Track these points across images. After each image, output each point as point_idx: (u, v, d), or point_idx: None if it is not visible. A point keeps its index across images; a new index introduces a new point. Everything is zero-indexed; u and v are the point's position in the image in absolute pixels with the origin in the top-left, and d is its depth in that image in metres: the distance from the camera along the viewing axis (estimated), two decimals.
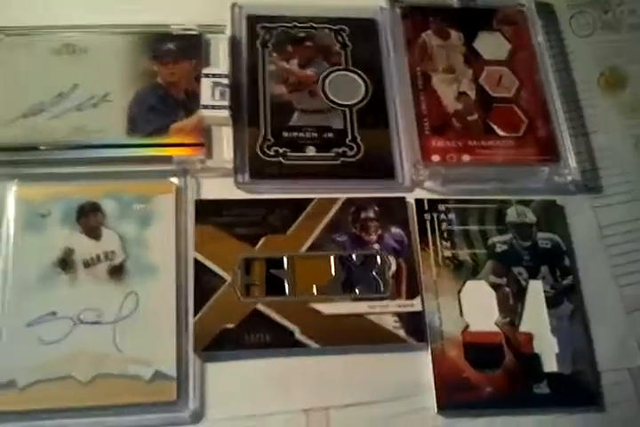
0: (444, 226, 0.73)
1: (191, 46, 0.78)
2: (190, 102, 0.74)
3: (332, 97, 0.78)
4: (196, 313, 0.65)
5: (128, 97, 0.74)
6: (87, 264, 0.66)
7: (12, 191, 0.69)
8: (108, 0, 0.81)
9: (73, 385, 0.61)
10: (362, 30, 0.83)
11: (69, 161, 0.71)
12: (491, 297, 0.70)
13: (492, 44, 0.83)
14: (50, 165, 0.70)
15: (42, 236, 0.67)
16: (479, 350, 0.67)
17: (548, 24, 0.87)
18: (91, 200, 0.69)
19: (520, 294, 0.70)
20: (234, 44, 0.80)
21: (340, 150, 0.75)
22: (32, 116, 0.72)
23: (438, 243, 0.72)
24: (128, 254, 0.67)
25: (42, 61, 0.75)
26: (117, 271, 0.66)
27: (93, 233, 0.68)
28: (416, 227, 0.72)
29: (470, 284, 0.70)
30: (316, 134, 0.76)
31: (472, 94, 0.79)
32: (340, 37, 0.82)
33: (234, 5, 0.81)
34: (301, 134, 0.75)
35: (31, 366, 0.62)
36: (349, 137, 0.76)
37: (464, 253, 0.71)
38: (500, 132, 0.77)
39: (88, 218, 0.68)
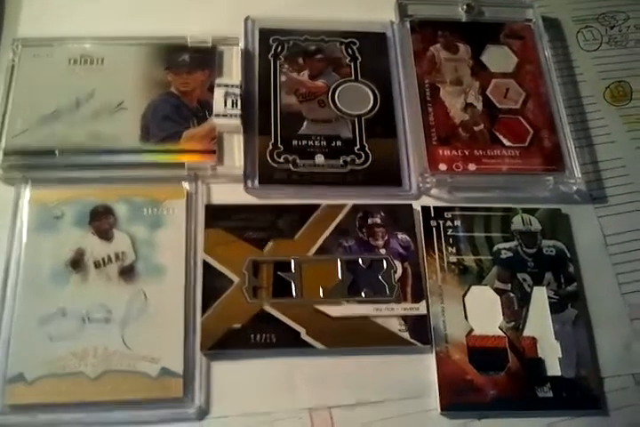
0: (449, 232, 0.74)
1: (205, 57, 0.80)
2: (203, 111, 0.76)
3: (341, 107, 0.80)
4: (203, 313, 0.67)
5: (142, 105, 0.76)
6: (98, 265, 0.68)
7: (27, 193, 0.71)
8: (124, 12, 0.84)
9: (81, 381, 0.63)
10: (372, 43, 0.85)
11: (84, 166, 0.73)
12: (495, 302, 0.71)
13: (499, 58, 0.85)
14: (65, 170, 0.73)
15: (55, 237, 0.69)
16: (483, 354, 0.68)
17: (554, 38, 0.89)
18: (104, 203, 0.71)
19: (524, 299, 0.71)
20: (246, 55, 0.82)
21: (349, 158, 0.77)
22: (50, 122, 0.74)
23: (444, 249, 0.73)
24: (138, 256, 0.68)
25: (60, 70, 0.78)
26: (127, 272, 0.68)
27: (105, 235, 0.69)
28: (422, 233, 0.73)
29: (475, 289, 0.71)
30: (324, 143, 0.77)
31: (479, 106, 0.81)
32: (350, 50, 0.84)
33: (247, 19, 0.84)
34: (310, 143, 0.77)
35: (40, 361, 0.63)
36: (358, 146, 0.78)
37: (469, 259, 0.72)
38: (506, 142, 0.79)
39: (100, 220, 0.70)
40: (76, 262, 0.67)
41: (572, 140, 0.79)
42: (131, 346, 0.64)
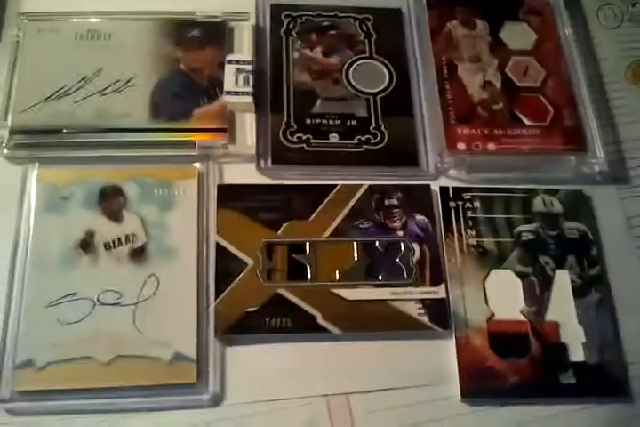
0: (468, 214, 0.72)
1: (215, 33, 0.77)
2: (214, 88, 0.74)
3: (355, 85, 0.77)
4: (217, 297, 0.65)
5: (152, 82, 0.74)
6: (108, 247, 0.66)
7: (34, 173, 0.68)
8: None
9: (92, 366, 0.61)
10: (387, 20, 0.82)
11: (92, 144, 0.71)
12: (517, 286, 0.69)
13: (518, 35, 0.82)
14: (73, 149, 0.70)
15: (63, 218, 0.67)
16: (504, 339, 0.66)
17: (574, 15, 0.86)
18: (113, 184, 0.68)
19: (546, 283, 0.69)
20: (258, 31, 0.80)
21: (364, 138, 0.74)
22: (56, 100, 0.72)
23: (463, 231, 0.71)
24: (149, 237, 0.66)
25: (67, 46, 0.75)
26: (138, 254, 0.66)
27: (115, 216, 0.67)
28: (440, 215, 0.71)
29: (496, 272, 0.69)
30: (339, 122, 0.75)
31: (498, 84, 0.79)
32: (364, 26, 0.81)
33: None
34: (324, 121, 0.75)
35: (50, 346, 0.61)
36: (373, 125, 0.75)
37: (489, 242, 0.70)
38: (527, 122, 0.76)
39: (110, 201, 0.68)
40: (86, 244, 0.65)
41: (594, 119, 0.77)
42: (142, 330, 0.62)
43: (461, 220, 0.71)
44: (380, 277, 0.68)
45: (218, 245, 0.67)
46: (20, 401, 0.60)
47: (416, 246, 0.69)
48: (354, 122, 0.75)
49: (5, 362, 0.61)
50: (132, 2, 0.79)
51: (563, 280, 0.69)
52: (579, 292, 0.69)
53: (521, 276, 0.69)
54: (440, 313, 0.66)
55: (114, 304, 0.63)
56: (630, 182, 0.77)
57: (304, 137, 0.74)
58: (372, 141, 0.74)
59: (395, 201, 0.71)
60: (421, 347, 0.66)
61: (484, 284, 0.68)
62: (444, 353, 0.66)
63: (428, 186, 0.73)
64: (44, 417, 0.60)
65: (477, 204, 0.72)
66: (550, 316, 0.67)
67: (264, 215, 0.69)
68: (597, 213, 0.74)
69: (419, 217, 0.71)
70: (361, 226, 0.70)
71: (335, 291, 0.66)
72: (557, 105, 0.78)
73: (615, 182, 0.76)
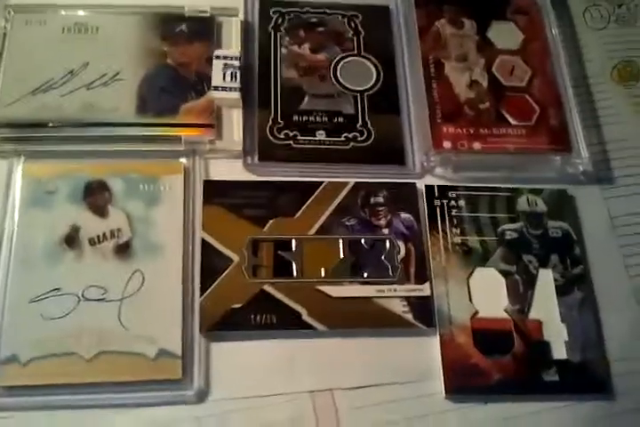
0: (453, 212, 0.72)
1: (203, 28, 0.77)
2: (201, 84, 0.74)
3: (343, 82, 0.78)
4: (202, 293, 0.65)
5: (138, 76, 0.73)
6: (93, 242, 0.65)
7: (20, 168, 0.68)
8: None
9: (76, 361, 0.60)
10: (375, 17, 0.83)
11: (78, 139, 0.70)
12: (500, 284, 0.69)
13: (505, 34, 0.83)
14: (58, 143, 0.70)
15: (48, 213, 0.66)
16: (488, 337, 0.66)
17: (561, 16, 0.86)
18: (98, 178, 0.68)
19: (530, 281, 0.69)
20: (246, 27, 0.79)
21: (351, 135, 0.75)
22: (42, 93, 0.71)
23: (448, 229, 0.71)
24: (135, 233, 0.66)
25: (54, 39, 0.74)
26: (123, 249, 0.65)
27: (100, 211, 0.67)
28: (426, 213, 0.72)
29: (480, 270, 0.69)
30: (326, 119, 0.75)
31: (484, 83, 0.79)
32: (352, 24, 0.81)
33: None
34: (312, 118, 0.75)
35: (34, 342, 0.61)
36: (360, 122, 0.75)
37: (474, 240, 0.71)
38: (512, 121, 0.77)
39: (95, 196, 0.67)
40: (71, 239, 0.65)
41: (579, 119, 0.78)
42: (127, 326, 0.62)
43: (446, 218, 0.72)
44: (366, 275, 0.68)
45: (203, 242, 0.67)
46: (5, 396, 0.60)
47: (401, 244, 0.69)
48: (341, 119, 0.75)
49: None
50: None
51: (546, 279, 0.70)
52: (562, 290, 0.69)
53: (505, 274, 0.70)
54: (424, 311, 0.67)
55: (98, 300, 0.63)
56: (614, 182, 0.77)
57: (291, 134, 0.74)
58: (359, 139, 0.74)
59: (380, 199, 0.71)
60: (406, 344, 0.66)
61: (468, 282, 0.69)
62: (429, 350, 0.66)
63: (414, 184, 0.73)
64: (28, 412, 0.60)
65: (462, 202, 0.73)
66: (533, 314, 0.68)
67: (250, 212, 0.69)
68: (581, 213, 0.75)
69: (404, 215, 0.71)
70: (347, 223, 0.70)
71: (320, 288, 0.66)
72: (543, 105, 0.78)
73: (599, 182, 0.77)
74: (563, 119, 0.78)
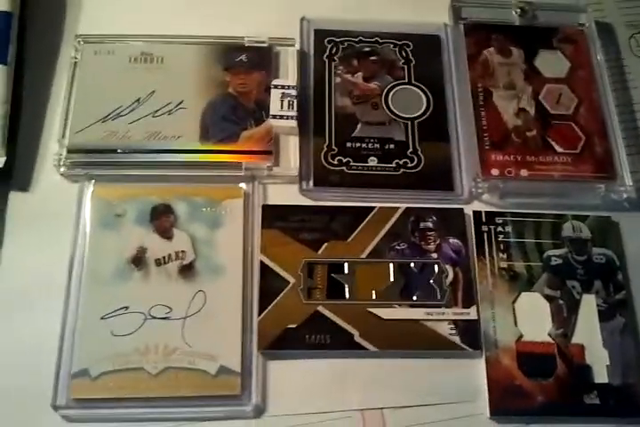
0: (500, 238, 0.75)
1: (262, 58, 0.81)
2: (260, 112, 0.78)
3: (394, 110, 0.81)
4: (260, 313, 0.68)
5: (201, 105, 0.77)
6: (159, 263, 0.69)
7: (90, 191, 0.72)
8: (184, 11, 0.85)
9: (143, 376, 0.64)
10: (425, 46, 0.85)
11: (144, 164, 0.75)
12: (545, 309, 0.72)
13: (552, 62, 0.85)
14: (126, 168, 0.74)
15: (117, 234, 0.70)
16: (532, 360, 0.69)
17: (607, 43, 0.88)
18: (164, 202, 0.72)
19: (573, 306, 0.72)
20: (302, 56, 0.83)
21: (401, 161, 0.78)
22: (111, 121, 0.76)
23: (495, 254, 0.74)
24: (198, 255, 0.70)
25: (121, 68, 0.79)
26: (187, 270, 0.69)
27: (166, 233, 0.71)
28: (473, 238, 0.75)
29: (525, 295, 0.72)
30: (378, 145, 0.78)
31: (531, 111, 0.81)
32: (403, 52, 0.84)
33: (303, 19, 0.85)
34: (364, 145, 0.78)
35: (103, 357, 0.65)
36: (410, 149, 0.78)
37: (520, 265, 0.73)
38: (558, 149, 0.79)
39: (161, 219, 0.71)
40: (138, 260, 0.69)
41: (624, 147, 0.80)
42: (191, 343, 0.66)
43: (493, 243, 0.74)
44: (415, 298, 0.71)
45: (262, 264, 0.71)
46: (75, 408, 0.64)
47: (449, 268, 0.72)
48: (392, 146, 0.79)
49: (62, 371, 0.64)
50: (182, 26, 0.83)
51: (589, 304, 0.72)
52: (604, 316, 0.72)
53: (549, 299, 0.72)
54: (471, 334, 0.69)
55: (164, 318, 0.67)
56: None
57: (344, 160, 0.77)
58: (409, 165, 0.78)
59: (430, 224, 0.74)
60: (452, 365, 0.69)
61: (513, 306, 0.71)
62: (474, 372, 0.69)
63: (462, 210, 0.76)
64: (96, 424, 0.65)
65: (509, 228, 0.75)
66: (576, 338, 0.70)
67: (305, 235, 0.72)
68: (624, 240, 0.77)
69: (452, 240, 0.74)
70: (397, 247, 0.73)
71: (371, 310, 0.69)
72: (588, 132, 0.80)
73: None
74: (607, 147, 0.80)
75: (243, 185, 0.74)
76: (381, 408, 0.67)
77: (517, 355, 0.69)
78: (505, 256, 0.74)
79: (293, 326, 0.68)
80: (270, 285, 0.70)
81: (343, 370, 0.68)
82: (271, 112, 0.77)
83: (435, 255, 0.73)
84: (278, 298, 0.69)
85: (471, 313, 0.70)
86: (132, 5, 0.85)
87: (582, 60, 0.86)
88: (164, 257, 0.70)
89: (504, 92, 0.82)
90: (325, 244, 0.72)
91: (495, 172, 0.77)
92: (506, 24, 0.88)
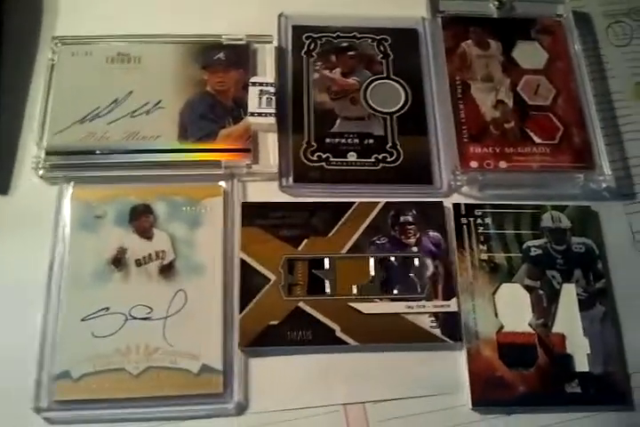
0: (480, 230, 0.75)
1: (239, 56, 0.81)
2: (238, 110, 0.78)
3: (373, 105, 0.81)
4: (241, 310, 0.69)
5: (179, 104, 0.78)
6: (139, 263, 0.70)
7: (69, 193, 0.73)
8: (160, 11, 0.85)
9: (124, 377, 0.65)
10: (403, 40, 0.86)
11: (123, 165, 0.75)
12: (525, 299, 0.72)
13: (529, 54, 0.85)
14: (105, 169, 0.74)
15: (97, 236, 0.71)
16: (513, 350, 0.69)
17: (584, 33, 0.89)
18: (143, 202, 0.73)
19: (553, 296, 0.72)
20: (280, 53, 0.83)
21: (380, 156, 0.78)
22: (89, 122, 0.76)
23: (475, 246, 0.74)
24: (178, 254, 0.70)
25: (98, 69, 0.79)
26: (167, 270, 0.70)
27: (145, 234, 0.71)
28: (453, 231, 0.75)
29: (505, 286, 0.72)
30: (357, 140, 0.79)
31: (509, 102, 0.82)
32: (382, 47, 0.84)
33: (280, 15, 0.85)
34: (343, 140, 0.79)
35: (85, 359, 0.65)
36: (389, 143, 0.79)
37: (500, 257, 0.74)
38: (537, 140, 0.79)
39: (140, 219, 0.72)
40: (118, 261, 0.69)
41: (602, 136, 0.80)
42: (172, 343, 0.66)
43: (473, 235, 0.75)
44: (395, 292, 0.71)
45: (242, 261, 0.71)
46: (58, 410, 0.64)
47: (429, 262, 0.73)
48: (371, 141, 0.79)
49: (43, 374, 0.65)
50: (159, 25, 0.82)
51: (569, 294, 0.72)
52: (584, 305, 0.72)
53: (529, 289, 0.72)
54: (452, 326, 0.70)
55: (144, 318, 0.67)
56: (636, 198, 0.80)
57: (324, 156, 0.77)
58: (389, 160, 0.78)
59: (410, 218, 0.75)
60: (434, 358, 0.70)
61: (493, 297, 0.72)
62: (455, 364, 0.69)
63: (441, 203, 0.76)
64: (79, 426, 0.65)
65: (488, 220, 0.76)
66: (557, 328, 0.71)
67: (285, 232, 0.73)
68: (604, 229, 0.77)
69: (432, 233, 0.74)
70: (377, 242, 0.73)
71: (352, 305, 0.70)
72: (566, 123, 0.81)
73: (621, 198, 0.79)
74: (586, 137, 0.80)
75: (222, 183, 0.75)
76: (364, 402, 0.67)
77: (498, 346, 0.69)
78: (485, 248, 0.74)
79: (275, 322, 0.68)
80: (251, 282, 0.70)
81: (325, 365, 0.69)
82: (249, 109, 0.77)
83: (415, 249, 0.73)
84: (259, 295, 0.69)
85: (451, 305, 0.71)
86: (108, 6, 0.85)
87: (560, 50, 0.86)
88: (144, 257, 0.70)
89: (482, 85, 0.83)
90: (306, 240, 0.73)
91: (474, 164, 0.77)
92: (483, 17, 0.88)
